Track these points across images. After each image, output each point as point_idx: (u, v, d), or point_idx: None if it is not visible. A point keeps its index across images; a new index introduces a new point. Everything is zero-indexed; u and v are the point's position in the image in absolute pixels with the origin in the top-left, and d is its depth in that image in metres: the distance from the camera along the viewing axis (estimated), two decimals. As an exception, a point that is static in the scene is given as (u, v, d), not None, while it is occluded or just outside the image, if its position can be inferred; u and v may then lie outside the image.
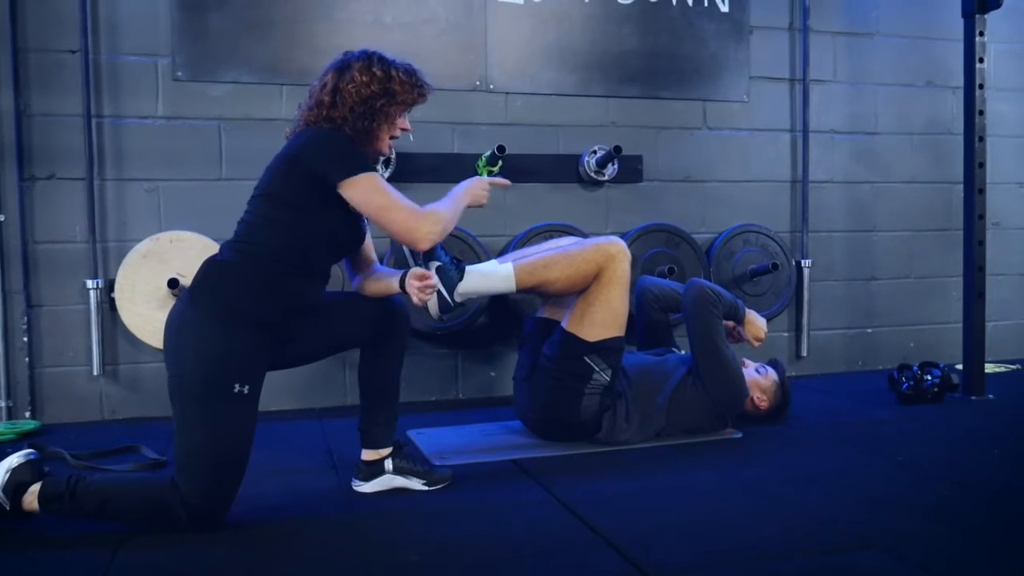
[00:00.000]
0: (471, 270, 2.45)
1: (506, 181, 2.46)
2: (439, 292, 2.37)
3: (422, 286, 2.17)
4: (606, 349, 2.59)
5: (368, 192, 2.02)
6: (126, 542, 1.88)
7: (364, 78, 2.08)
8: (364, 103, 2.07)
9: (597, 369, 2.59)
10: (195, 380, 1.91)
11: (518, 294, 2.85)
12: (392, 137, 2.19)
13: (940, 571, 1.68)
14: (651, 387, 2.74)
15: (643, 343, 3.08)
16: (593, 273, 2.55)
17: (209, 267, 2.03)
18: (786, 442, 2.74)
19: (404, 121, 2.20)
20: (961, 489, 2.22)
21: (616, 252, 2.56)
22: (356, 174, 2.01)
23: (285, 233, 2.02)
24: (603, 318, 2.58)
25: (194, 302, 1.97)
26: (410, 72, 2.15)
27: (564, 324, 2.63)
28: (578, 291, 2.60)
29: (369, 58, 2.12)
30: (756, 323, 2.90)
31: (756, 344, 2.91)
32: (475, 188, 2.28)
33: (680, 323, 3.05)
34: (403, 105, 2.15)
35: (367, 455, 2.26)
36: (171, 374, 1.95)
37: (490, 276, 2.49)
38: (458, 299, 2.42)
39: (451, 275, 2.39)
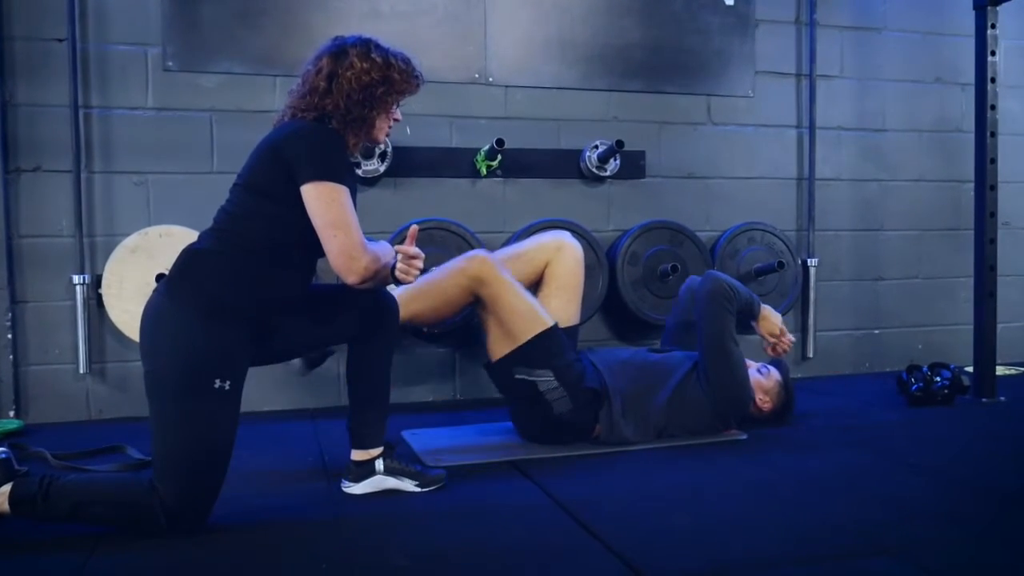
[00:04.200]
0: None
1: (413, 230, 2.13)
2: None
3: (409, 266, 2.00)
4: (526, 355, 2.52)
5: (327, 202, 1.90)
6: (100, 545, 1.80)
7: (364, 65, 2.00)
8: (363, 90, 2.00)
9: (535, 379, 2.52)
10: (173, 375, 1.83)
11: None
12: (388, 126, 2.12)
13: (955, 577, 1.61)
14: (650, 384, 2.66)
15: (670, 340, 2.98)
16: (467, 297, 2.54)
17: (188, 256, 1.94)
18: (792, 444, 2.67)
19: (397, 111, 2.14)
20: (973, 492, 2.15)
21: (477, 270, 2.50)
22: (325, 180, 1.90)
23: (265, 225, 1.94)
24: (512, 327, 2.53)
25: (172, 293, 1.88)
26: (407, 61, 2.09)
27: (490, 358, 2.60)
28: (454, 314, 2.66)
29: (366, 44, 2.04)
30: (771, 319, 2.81)
31: (771, 340, 2.82)
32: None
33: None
34: (400, 94, 2.09)
35: (357, 455, 2.17)
36: (147, 369, 1.86)
37: None
38: None
39: None
